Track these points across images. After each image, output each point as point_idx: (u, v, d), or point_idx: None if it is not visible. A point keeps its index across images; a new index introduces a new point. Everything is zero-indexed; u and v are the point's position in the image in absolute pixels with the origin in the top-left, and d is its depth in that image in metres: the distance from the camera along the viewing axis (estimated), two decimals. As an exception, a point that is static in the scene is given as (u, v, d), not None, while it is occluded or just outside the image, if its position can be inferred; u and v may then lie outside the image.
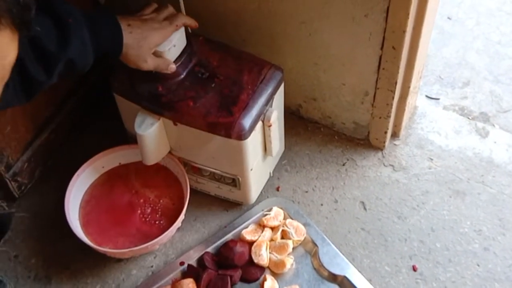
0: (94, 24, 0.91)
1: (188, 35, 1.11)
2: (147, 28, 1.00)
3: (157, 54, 1.04)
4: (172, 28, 1.04)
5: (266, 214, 1.20)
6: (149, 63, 1.02)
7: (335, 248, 1.14)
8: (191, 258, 1.15)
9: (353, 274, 1.11)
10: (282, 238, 1.16)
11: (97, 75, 1.40)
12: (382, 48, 1.12)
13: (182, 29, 1.08)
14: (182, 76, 1.10)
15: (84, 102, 1.40)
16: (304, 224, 1.17)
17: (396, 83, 1.17)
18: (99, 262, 1.18)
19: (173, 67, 1.07)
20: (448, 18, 1.70)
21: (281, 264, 1.12)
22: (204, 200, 1.27)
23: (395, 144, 1.35)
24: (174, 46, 1.06)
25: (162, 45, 1.04)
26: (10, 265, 1.20)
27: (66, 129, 1.37)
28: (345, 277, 1.10)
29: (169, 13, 1.06)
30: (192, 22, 1.09)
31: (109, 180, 1.26)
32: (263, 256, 1.12)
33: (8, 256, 1.21)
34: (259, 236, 1.16)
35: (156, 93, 1.08)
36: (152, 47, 1.02)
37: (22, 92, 0.85)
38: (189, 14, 1.14)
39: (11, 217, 1.20)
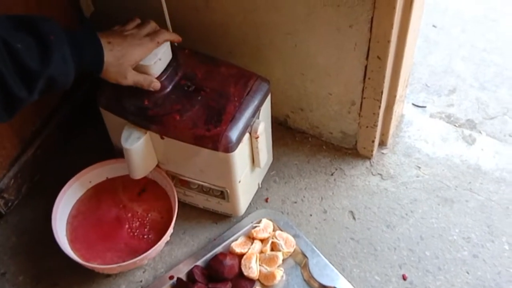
0: (76, 41, 0.91)
1: (173, 48, 1.11)
2: (127, 45, 1.00)
3: (141, 69, 1.04)
4: (153, 44, 1.04)
5: (255, 226, 1.19)
6: (128, 79, 1.03)
7: (324, 259, 1.14)
8: (181, 272, 1.14)
9: (343, 285, 1.10)
10: (272, 250, 1.16)
11: (83, 89, 1.39)
12: (367, 58, 1.13)
13: (167, 43, 1.08)
14: (168, 90, 1.09)
15: (71, 116, 1.39)
16: (294, 236, 1.17)
17: (382, 92, 1.18)
18: (87, 278, 1.17)
19: (156, 84, 1.07)
20: (433, 26, 1.71)
21: (271, 276, 1.12)
22: (192, 213, 1.26)
23: (382, 153, 1.35)
24: (160, 59, 1.06)
25: (147, 59, 1.04)
26: (-2, 283, 1.19)
27: (53, 144, 1.36)
28: (335, 288, 1.10)
29: (152, 29, 1.06)
30: (175, 38, 1.09)
31: (96, 195, 1.25)
32: (253, 268, 1.12)
33: (-5, 274, 1.20)
34: (249, 249, 1.16)
35: (142, 107, 1.08)
36: (132, 64, 1.02)
37: (2, 109, 0.84)
38: (175, 26, 1.14)
39: None
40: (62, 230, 1.18)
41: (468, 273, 1.14)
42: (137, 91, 1.08)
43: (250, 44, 1.24)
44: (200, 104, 1.08)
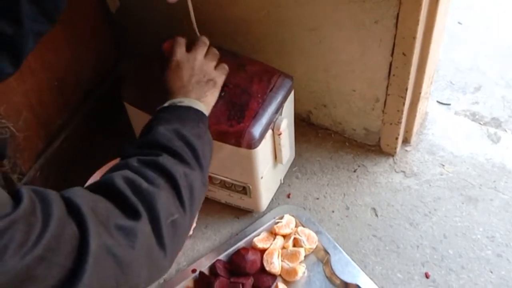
0: None
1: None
2: None
3: None
4: None
5: (277, 222, 1.20)
6: None
7: (346, 255, 1.14)
8: (203, 266, 1.15)
9: (365, 282, 1.10)
10: (294, 246, 1.16)
11: (108, 84, 1.41)
12: (392, 54, 1.12)
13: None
14: (193, 85, 1.10)
15: (96, 110, 1.41)
16: (316, 232, 1.17)
17: (406, 89, 1.17)
18: (111, 270, 1.18)
19: None
20: (459, 23, 1.69)
21: (293, 272, 1.12)
22: (215, 208, 1.27)
23: (406, 150, 1.34)
24: None
25: None
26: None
27: (79, 137, 1.38)
28: (357, 285, 1.09)
29: None
30: None
31: (121, 189, 1.26)
32: (275, 264, 1.12)
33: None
34: (271, 244, 1.16)
35: (167, 102, 1.09)
36: None
37: (3, 56, 0.77)
38: (199, 21, 1.15)
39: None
40: (87, 223, 1.19)
41: (491, 272, 1.13)
42: (162, 86, 1.08)
43: (274, 39, 1.24)
44: (223, 100, 1.08)
